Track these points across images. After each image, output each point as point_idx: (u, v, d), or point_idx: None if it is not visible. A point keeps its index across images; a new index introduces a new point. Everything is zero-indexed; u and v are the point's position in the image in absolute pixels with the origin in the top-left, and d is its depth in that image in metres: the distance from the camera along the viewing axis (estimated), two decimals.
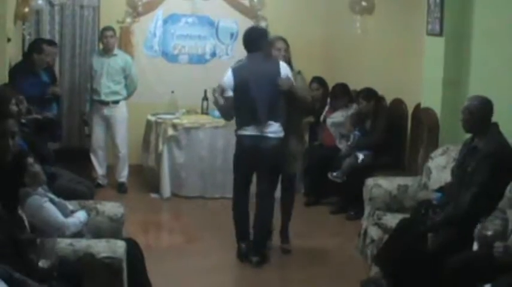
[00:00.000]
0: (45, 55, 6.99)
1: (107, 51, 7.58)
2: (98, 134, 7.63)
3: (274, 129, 5.47)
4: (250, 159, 5.55)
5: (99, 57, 7.64)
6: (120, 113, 7.69)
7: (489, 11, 5.46)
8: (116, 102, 7.65)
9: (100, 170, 7.74)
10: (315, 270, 5.57)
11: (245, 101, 5.45)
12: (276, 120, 5.46)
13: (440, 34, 5.72)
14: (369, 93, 7.06)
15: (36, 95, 6.48)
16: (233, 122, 5.71)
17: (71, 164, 6.25)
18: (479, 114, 4.47)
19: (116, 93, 7.65)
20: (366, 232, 5.64)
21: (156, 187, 7.57)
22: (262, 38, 5.60)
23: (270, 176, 5.63)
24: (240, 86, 5.46)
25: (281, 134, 5.51)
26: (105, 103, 7.56)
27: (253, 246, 5.61)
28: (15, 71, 6.67)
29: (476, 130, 4.52)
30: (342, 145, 7.28)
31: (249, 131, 5.49)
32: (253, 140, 5.49)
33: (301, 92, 5.62)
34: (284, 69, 5.48)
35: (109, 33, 7.55)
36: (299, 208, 6.01)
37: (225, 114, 5.74)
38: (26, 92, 6.03)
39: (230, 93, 5.49)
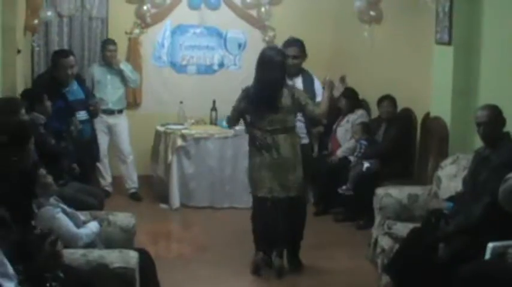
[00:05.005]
0: (65, 68, 6.44)
1: (108, 64, 7.63)
2: (103, 143, 7.63)
3: None
4: None
5: (100, 67, 7.70)
6: (124, 121, 7.80)
7: (498, 19, 5.46)
8: (121, 111, 7.75)
9: (108, 177, 7.79)
10: (326, 279, 5.56)
11: None
12: None
13: (449, 43, 5.72)
14: (394, 100, 7.06)
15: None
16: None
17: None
18: (495, 125, 4.49)
19: (120, 100, 7.74)
20: (376, 241, 5.63)
21: (165, 198, 7.58)
22: None
23: None
24: None
25: None
26: (111, 112, 7.60)
27: None
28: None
29: (491, 140, 4.52)
30: (345, 153, 7.32)
31: None
32: None
33: None
34: None
35: (112, 47, 7.63)
36: (308, 217, 5.96)
37: None
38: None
39: None
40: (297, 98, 5.35)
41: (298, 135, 5.54)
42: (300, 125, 5.59)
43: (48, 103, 5.78)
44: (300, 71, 5.71)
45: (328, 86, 5.52)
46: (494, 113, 4.49)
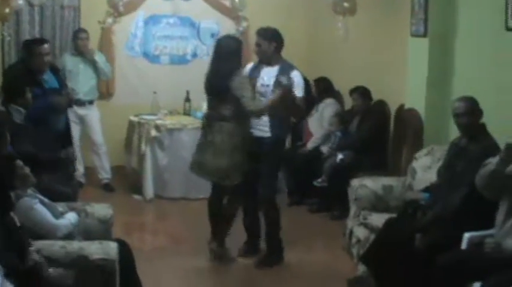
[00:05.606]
0: (41, 55, 6.28)
1: (80, 53, 7.57)
2: (74, 133, 7.51)
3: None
4: None
5: (72, 56, 7.63)
6: (95, 112, 7.73)
7: (473, 11, 5.52)
8: (91, 102, 7.67)
9: (80, 168, 7.70)
10: (302, 269, 5.61)
11: None
12: None
13: (425, 35, 5.77)
14: (366, 92, 7.08)
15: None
16: None
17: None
18: (473, 116, 4.53)
19: (92, 91, 7.67)
20: (351, 231, 5.68)
21: (138, 189, 7.55)
22: None
23: None
24: None
25: None
26: (82, 103, 7.52)
27: None
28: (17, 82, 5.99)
29: (469, 131, 4.56)
30: (315, 144, 7.37)
31: None
32: None
33: None
34: None
35: (84, 35, 7.57)
36: (282, 208, 6.00)
37: None
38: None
39: None
40: (233, 89, 5.32)
41: (241, 125, 5.44)
42: (264, 119, 5.50)
43: (29, 95, 5.69)
44: (278, 61, 5.55)
45: (279, 91, 5.36)
46: (472, 104, 4.54)
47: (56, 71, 6.69)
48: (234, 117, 5.39)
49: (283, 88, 5.32)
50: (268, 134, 5.52)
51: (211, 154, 5.45)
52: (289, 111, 5.50)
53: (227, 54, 5.40)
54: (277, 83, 5.39)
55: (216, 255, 5.68)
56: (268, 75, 5.52)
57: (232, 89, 5.30)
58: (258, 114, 5.45)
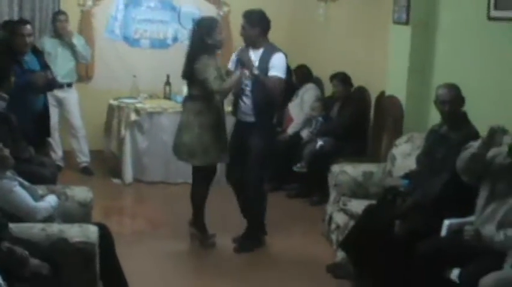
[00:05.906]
0: (23, 36, 6.27)
1: (59, 36, 7.49)
2: (53, 116, 7.48)
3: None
4: None
5: (51, 39, 7.55)
6: (74, 95, 7.66)
7: (456, 0, 5.54)
8: (70, 85, 7.59)
9: (59, 151, 7.67)
10: (280, 255, 5.62)
11: None
12: None
13: (407, 23, 5.78)
14: (346, 78, 7.09)
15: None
16: None
17: None
18: (458, 103, 4.55)
19: (70, 73, 7.60)
20: (331, 217, 5.70)
21: (117, 172, 7.52)
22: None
23: None
24: None
25: None
26: (60, 85, 7.44)
27: None
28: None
29: (453, 118, 4.58)
30: (295, 129, 7.40)
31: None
32: None
33: None
34: None
35: (63, 17, 7.49)
36: None
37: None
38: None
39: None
40: (197, 72, 5.36)
41: (210, 103, 5.47)
42: (248, 102, 5.52)
43: (13, 79, 5.61)
44: (263, 44, 5.51)
45: (242, 72, 5.41)
46: (457, 92, 4.56)
47: (38, 53, 6.64)
48: (203, 96, 5.44)
49: (242, 62, 5.38)
50: (252, 119, 5.53)
51: (181, 132, 5.58)
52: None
53: (199, 35, 5.43)
54: (239, 61, 5.46)
55: (196, 239, 5.68)
56: (253, 58, 5.50)
57: (196, 72, 5.35)
58: (223, 93, 5.50)
